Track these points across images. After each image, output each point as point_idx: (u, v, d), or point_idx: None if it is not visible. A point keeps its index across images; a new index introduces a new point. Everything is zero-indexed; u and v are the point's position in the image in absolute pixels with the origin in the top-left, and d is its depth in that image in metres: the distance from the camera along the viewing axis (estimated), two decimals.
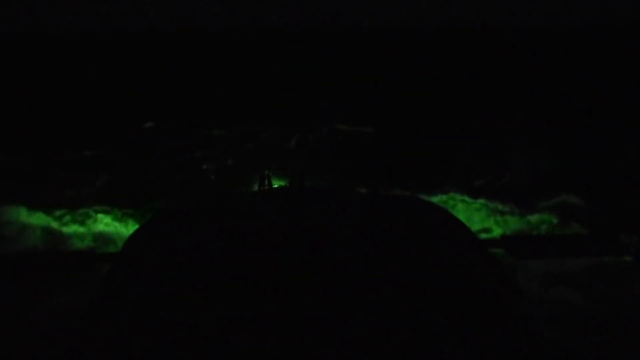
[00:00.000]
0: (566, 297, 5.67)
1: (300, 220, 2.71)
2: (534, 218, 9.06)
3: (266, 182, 3.52)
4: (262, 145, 16.62)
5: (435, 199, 9.70)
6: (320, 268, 2.26)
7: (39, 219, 8.94)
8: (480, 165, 12.86)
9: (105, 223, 9.12)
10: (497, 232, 9.04)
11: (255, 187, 3.89)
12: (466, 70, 37.09)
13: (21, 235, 8.41)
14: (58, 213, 9.15)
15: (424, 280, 2.21)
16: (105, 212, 9.31)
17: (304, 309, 2.04)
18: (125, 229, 8.85)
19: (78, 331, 2.10)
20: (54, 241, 8.46)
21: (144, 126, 18.10)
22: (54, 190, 10.56)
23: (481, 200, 9.77)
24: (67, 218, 9.09)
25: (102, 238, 8.61)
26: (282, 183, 3.68)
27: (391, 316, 2.00)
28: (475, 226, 8.93)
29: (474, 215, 9.45)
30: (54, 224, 8.97)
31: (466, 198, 10.09)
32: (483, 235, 8.23)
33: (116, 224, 9.14)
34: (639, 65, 37.13)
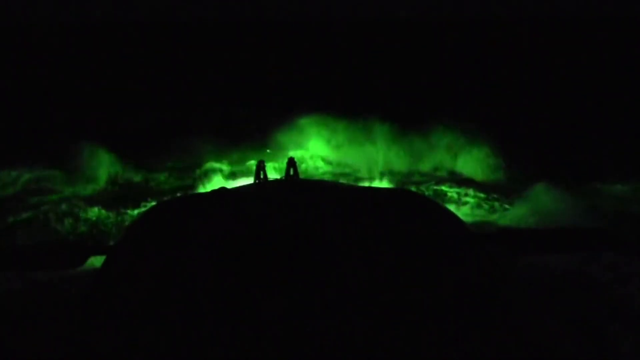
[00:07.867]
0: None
1: (296, 214, 2.71)
2: None
3: (261, 174, 3.54)
4: None
5: None
6: (313, 261, 2.26)
7: None
8: None
9: None
10: None
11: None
12: None
13: None
14: None
15: (416, 275, 2.21)
16: None
17: (299, 301, 2.04)
18: None
19: (73, 325, 2.09)
20: None
21: None
22: None
23: None
24: None
25: None
26: (277, 175, 3.71)
27: (383, 310, 2.00)
28: None
29: None
30: None
31: None
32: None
33: None
34: None
